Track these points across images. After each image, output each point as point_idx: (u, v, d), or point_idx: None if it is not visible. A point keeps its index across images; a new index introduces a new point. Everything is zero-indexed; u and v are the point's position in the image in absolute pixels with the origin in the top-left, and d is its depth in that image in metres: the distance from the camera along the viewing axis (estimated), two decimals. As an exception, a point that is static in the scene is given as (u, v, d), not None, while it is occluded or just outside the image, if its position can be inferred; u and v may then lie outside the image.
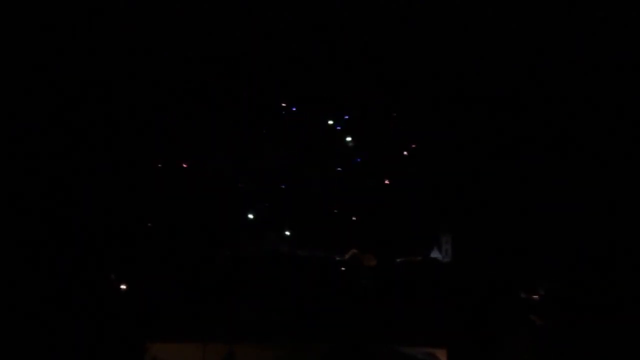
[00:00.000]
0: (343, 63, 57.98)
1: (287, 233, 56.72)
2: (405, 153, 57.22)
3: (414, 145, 57.05)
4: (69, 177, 49.05)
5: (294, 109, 58.64)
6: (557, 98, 52.92)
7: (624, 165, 47.88)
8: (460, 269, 54.70)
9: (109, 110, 52.33)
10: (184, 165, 54.55)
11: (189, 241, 51.30)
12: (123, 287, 44.68)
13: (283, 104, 58.45)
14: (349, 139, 57.60)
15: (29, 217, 45.26)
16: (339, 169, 57.67)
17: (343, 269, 53.88)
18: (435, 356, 41.22)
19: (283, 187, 56.78)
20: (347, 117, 58.54)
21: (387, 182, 56.36)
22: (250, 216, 55.64)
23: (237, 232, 55.27)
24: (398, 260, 57.12)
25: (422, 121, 57.93)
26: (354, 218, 57.12)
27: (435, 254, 60.17)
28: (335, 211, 56.82)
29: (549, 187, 52.49)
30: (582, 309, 42.55)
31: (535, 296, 47.89)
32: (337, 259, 58.45)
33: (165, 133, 55.11)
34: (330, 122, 58.84)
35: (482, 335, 42.26)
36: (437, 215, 58.47)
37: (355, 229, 57.87)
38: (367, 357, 40.46)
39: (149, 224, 50.51)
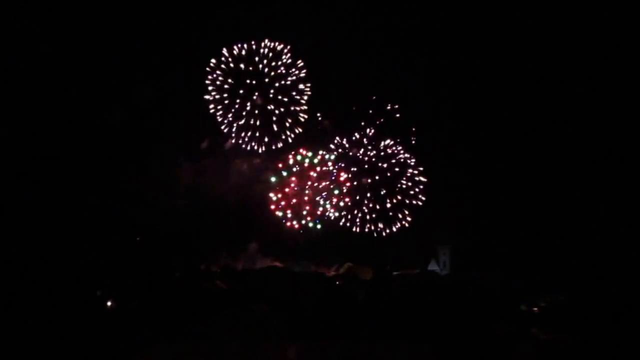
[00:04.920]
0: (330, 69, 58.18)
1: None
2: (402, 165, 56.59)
3: (411, 158, 56.31)
4: (58, 191, 48.36)
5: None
6: (558, 109, 52.49)
7: (629, 178, 47.30)
8: (458, 281, 53.68)
9: (97, 126, 51.92)
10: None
11: (177, 257, 50.46)
12: (109, 303, 43.43)
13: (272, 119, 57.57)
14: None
15: (16, 232, 44.45)
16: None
17: (338, 282, 52.84)
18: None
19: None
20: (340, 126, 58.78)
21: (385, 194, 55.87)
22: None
23: (222, 248, 54.84)
24: (395, 273, 56.11)
25: (420, 134, 57.45)
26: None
27: (433, 267, 59.12)
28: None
29: (549, 199, 51.90)
30: (586, 322, 41.19)
31: (535, 309, 46.77)
32: (333, 272, 57.39)
33: (152, 150, 55.14)
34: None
35: (483, 349, 40.83)
36: (435, 227, 57.64)
37: (350, 242, 57.33)
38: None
39: (137, 238, 49.95)
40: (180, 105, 56.50)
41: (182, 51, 56.22)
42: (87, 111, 52.94)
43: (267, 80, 56.53)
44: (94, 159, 50.75)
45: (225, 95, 56.70)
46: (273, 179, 57.34)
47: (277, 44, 56.78)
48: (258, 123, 57.18)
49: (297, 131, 58.23)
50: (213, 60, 56.58)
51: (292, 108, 57.73)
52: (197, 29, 56.76)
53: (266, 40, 56.57)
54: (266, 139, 57.50)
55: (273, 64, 56.59)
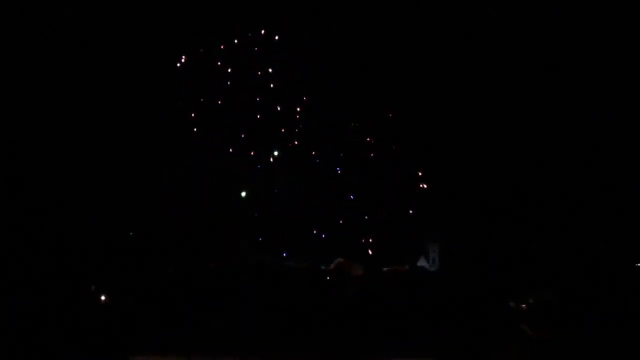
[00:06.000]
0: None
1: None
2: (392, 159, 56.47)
3: (400, 151, 56.22)
4: (46, 183, 48.32)
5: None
6: (553, 105, 52.97)
7: (619, 172, 47.99)
8: (448, 277, 54.19)
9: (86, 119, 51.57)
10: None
11: (173, 251, 50.28)
12: (103, 298, 43.64)
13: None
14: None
15: (6, 228, 44.44)
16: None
17: (328, 279, 53.02)
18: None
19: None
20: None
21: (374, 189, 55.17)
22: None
23: (214, 244, 53.64)
24: (385, 269, 56.44)
25: (410, 127, 57.50)
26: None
27: (422, 263, 59.57)
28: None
29: (539, 194, 52.47)
30: (574, 318, 42.12)
31: (524, 305, 47.45)
32: (323, 268, 57.56)
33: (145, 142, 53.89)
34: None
35: (471, 346, 41.55)
36: (425, 222, 58.07)
37: (341, 237, 57.31)
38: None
39: (131, 233, 50.01)
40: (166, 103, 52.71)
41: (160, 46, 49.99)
42: (76, 109, 52.29)
43: (254, 83, 47.59)
44: (87, 157, 50.52)
45: (203, 101, 47.51)
46: (244, 195, 48.42)
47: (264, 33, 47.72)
48: (244, 136, 48.13)
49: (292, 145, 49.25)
50: (185, 58, 47.36)
51: (287, 116, 48.41)
52: (173, 21, 52.10)
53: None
54: (253, 153, 48.29)
55: (263, 63, 47.48)
